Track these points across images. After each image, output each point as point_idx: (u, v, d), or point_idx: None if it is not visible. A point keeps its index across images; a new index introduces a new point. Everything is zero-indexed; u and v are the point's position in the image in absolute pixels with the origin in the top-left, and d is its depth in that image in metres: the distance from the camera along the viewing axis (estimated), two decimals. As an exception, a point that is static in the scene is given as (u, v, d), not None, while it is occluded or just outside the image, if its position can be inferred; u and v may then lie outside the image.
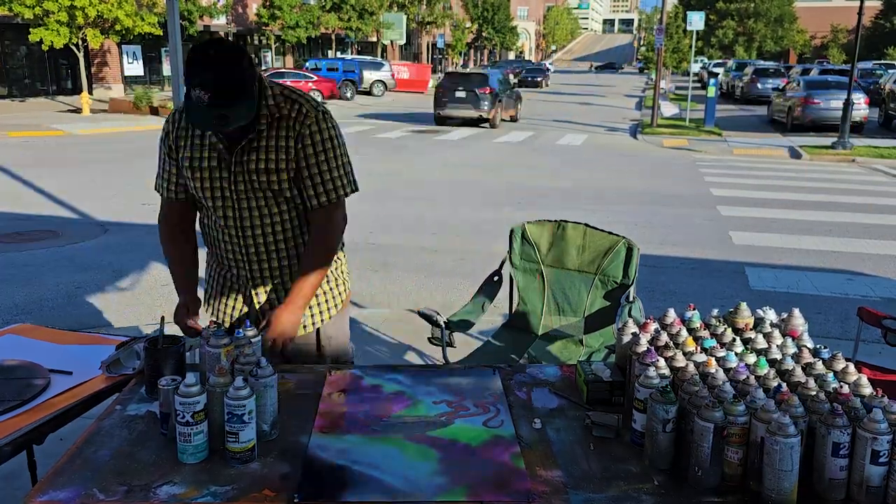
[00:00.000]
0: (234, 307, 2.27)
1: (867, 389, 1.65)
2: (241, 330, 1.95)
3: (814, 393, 1.62)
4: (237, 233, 2.15)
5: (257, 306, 2.22)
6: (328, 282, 2.27)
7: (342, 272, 2.35)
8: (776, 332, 2.01)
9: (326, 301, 2.28)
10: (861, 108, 17.65)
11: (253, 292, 2.21)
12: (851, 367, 1.77)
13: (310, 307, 2.22)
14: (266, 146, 2.05)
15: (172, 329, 2.08)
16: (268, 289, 2.21)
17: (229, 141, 2.06)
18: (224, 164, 2.08)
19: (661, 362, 1.77)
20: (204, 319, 2.25)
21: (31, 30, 20.04)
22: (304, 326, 2.24)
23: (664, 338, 1.97)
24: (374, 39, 42.24)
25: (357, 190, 2.20)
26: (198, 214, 2.28)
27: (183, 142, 2.12)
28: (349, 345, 2.42)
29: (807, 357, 1.86)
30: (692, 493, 1.55)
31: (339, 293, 2.32)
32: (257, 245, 2.15)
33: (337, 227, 2.18)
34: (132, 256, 6.55)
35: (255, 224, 2.12)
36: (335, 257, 2.25)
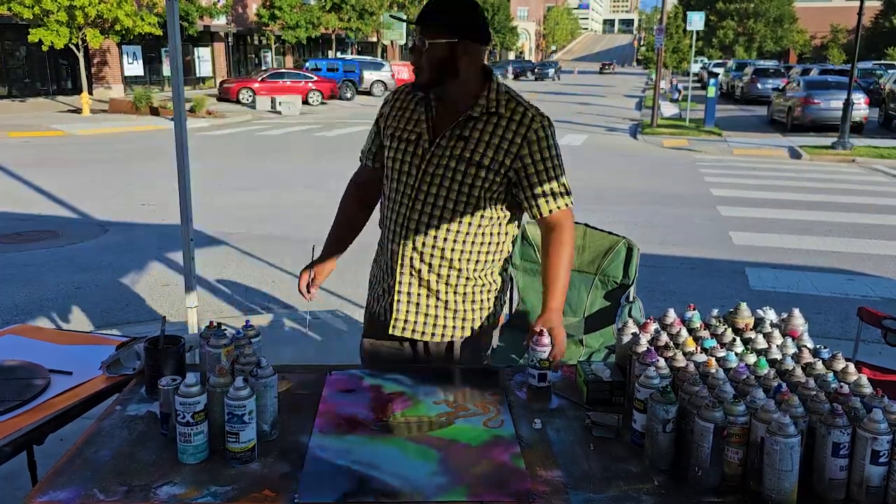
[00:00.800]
0: (379, 297, 2.21)
1: (867, 389, 1.65)
2: (241, 330, 1.95)
3: (814, 393, 1.62)
4: (406, 214, 2.07)
5: (397, 296, 2.13)
6: (465, 299, 2.14)
7: (493, 290, 2.19)
8: (776, 332, 2.01)
9: (465, 318, 2.15)
10: (861, 108, 17.66)
11: (398, 282, 2.12)
12: (851, 367, 1.77)
13: (445, 318, 2.14)
14: (477, 139, 2.01)
15: (173, 329, 2.08)
16: (409, 287, 2.12)
17: (436, 120, 2.05)
18: (423, 141, 2.05)
19: (662, 362, 1.77)
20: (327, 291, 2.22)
21: (30, 30, 20.04)
22: (433, 335, 2.16)
23: (664, 338, 1.97)
24: (374, 39, 42.25)
25: (573, 203, 2.15)
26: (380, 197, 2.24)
27: (396, 110, 2.14)
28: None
29: (807, 357, 1.86)
30: (692, 493, 1.55)
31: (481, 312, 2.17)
32: (418, 232, 2.07)
33: (570, 232, 2.12)
34: (132, 256, 6.55)
35: (426, 211, 2.05)
36: (494, 282, 2.17)
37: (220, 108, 23.02)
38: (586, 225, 3.22)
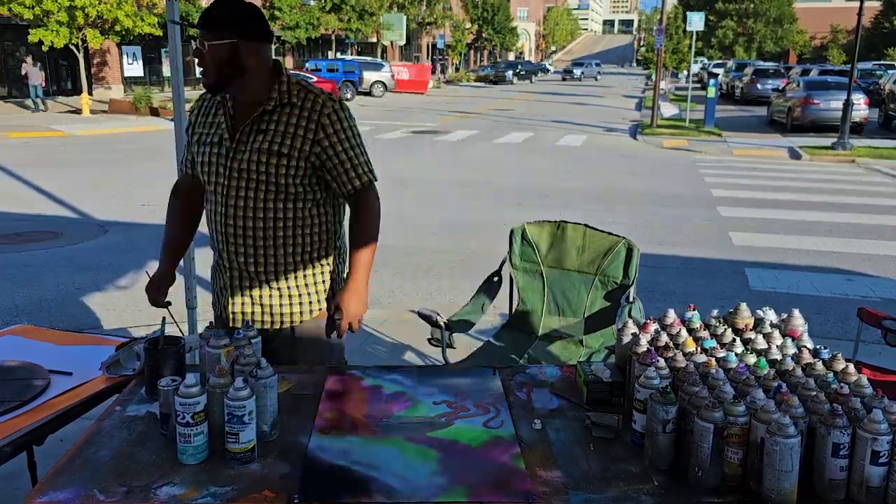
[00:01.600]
0: (218, 295, 2.30)
1: (867, 390, 1.65)
2: (240, 330, 1.95)
3: (814, 393, 1.62)
4: (223, 212, 2.15)
5: (230, 291, 2.22)
6: (307, 284, 2.24)
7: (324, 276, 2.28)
8: (776, 333, 2.01)
9: (301, 302, 2.23)
10: (861, 108, 17.64)
11: (228, 277, 2.22)
12: (851, 368, 1.77)
13: (281, 305, 2.22)
14: (274, 129, 2.08)
15: (173, 330, 2.08)
16: (240, 282, 2.21)
17: (234, 120, 2.12)
18: (225, 142, 2.12)
19: (661, 363, 1.77)
20: (174, 297, 2.27)
21: (30, 30, 20.04)
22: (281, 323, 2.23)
23: (664, 338, 1.97)
24: (374, 40, 42.25)
25: (376, 179, 2.23)
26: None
27: (199, 118, 2.23)
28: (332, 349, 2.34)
29: (807, 357, 1.86)
30: (692, 493, 1.55)
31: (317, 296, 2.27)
32: (236, 227, 2.14)
33: (374, 208, 2.20)
34: (132, 257, 6.55)
35: (239, 206, 2.12)
36: (325, 262, 2.25)
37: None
38: (586, 225, 3.22)
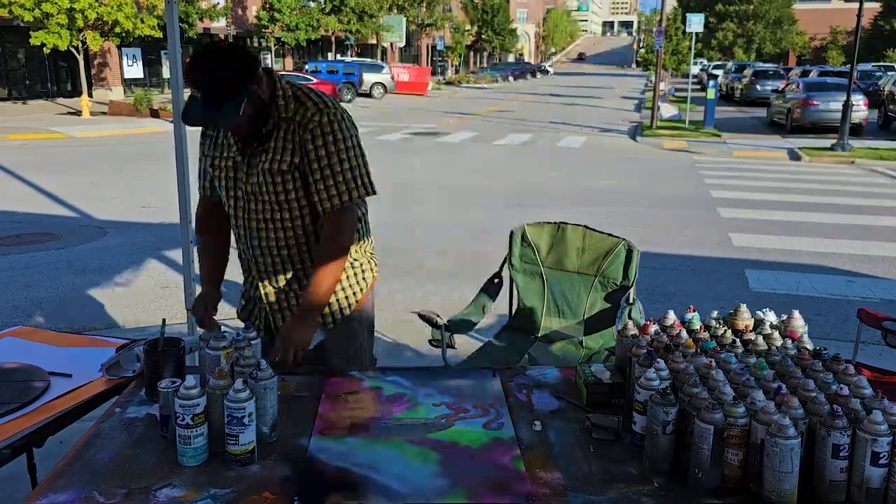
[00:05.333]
0: (251, 310, 2.35)
1: (867, 391, 1.65)
2: (240, 332, 1.95)
3: (814, 395, 1.62)
4: (246, 234, 2.19)
5: (266, 300, 2.26)
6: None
7: (358, 278, 2.30)
8: (776, 334, 2.01)
9: (330, 310, 2.25)
10: (860, 109, 17.65)
11: (263, 293, 2.26)
12: (851, 369, 1.77)
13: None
14: (273, 147, 2.07)
15: (172, 331, 2.08)
16: (277, 295, 2.25)
17: (243, 143, 2.11)
18: (238, 165, 2.13)
19: (661, 364, 1.77)
20: (223, 314, 2.28)
21: (31, 33, 20.05)
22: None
23: (664, 339, 1.97)
24: (374, 42, 42.26)
25: (372, 193, 2.15)
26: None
27: (211, 140, 2.21)
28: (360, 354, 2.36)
29: (807, 359, 1.86)
30: (692, 494, 1.55)
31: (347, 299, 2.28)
32: (262, 250, 2.19)
33: (343, 234, 2.12)
34: (132, 258, 6.54)
35: (260, 227, 2.15)
36: (352, 261, 2.26)
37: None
38: (586, 227, 3.22)
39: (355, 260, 2.28)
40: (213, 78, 1.91)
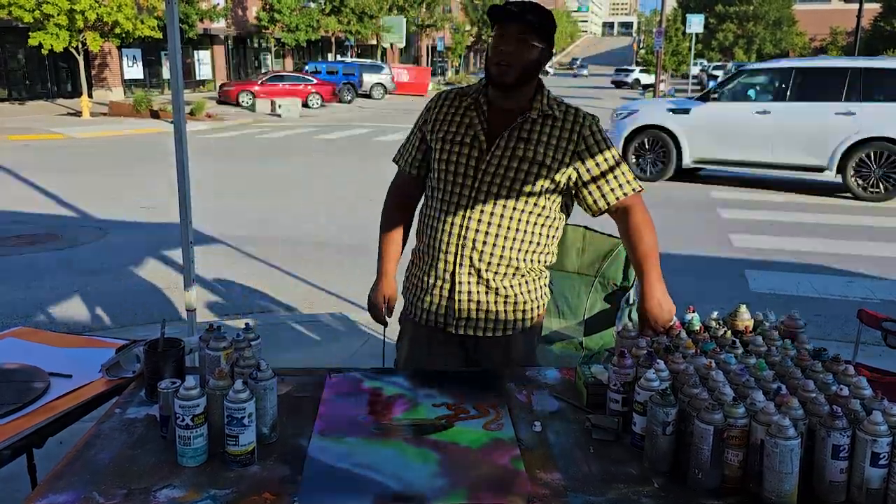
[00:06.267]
0: (430, 303, 2.21)
1: (867, 391, 1.65)
2: (240, 332, 1.95)
3: (814, 395, 1.62)
4: (463, 214, 2.11)
5: (457, 296, 2.16)
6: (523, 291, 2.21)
7: (542, 285, 2.27)
8: (776, 335, 2.01)
9: (524, 310, 2.21)
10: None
11: (457, 282, 2.15)
12: (851, 370, 1.77)
13: (506, 313, 2.20)
14: (536, 140, 2.08)
15: (172, 332, 2.08)
16: (469, 287, 2.15)
17: (490, 123, 2.11)
18: (477, 144, 2.10)
19: (661, 365, 1.77)
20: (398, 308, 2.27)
21: (30, 34, 20.06)
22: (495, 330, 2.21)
23: (664, 340, 1.97)
24: (374, 43, 42.29)
25: (643, 190, 2.23)
26: (420, 201, 2.29)
27: (443, 117, 2.18)
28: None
29: (806, 359, 1.86)
30: (692, 495, 1.55)
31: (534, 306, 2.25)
32: (477, 233, 2.10)
33: (648, 214, 2.21)
34: (132, 259, 6.54)
35: (485, 211, 2.09)
36: (545, 274, 2.26)
37: (220, 111, 23.04)
38: (586, 228, 3.22)
39: (543, 270, 2.26)
40: (546, 12, 2.05)
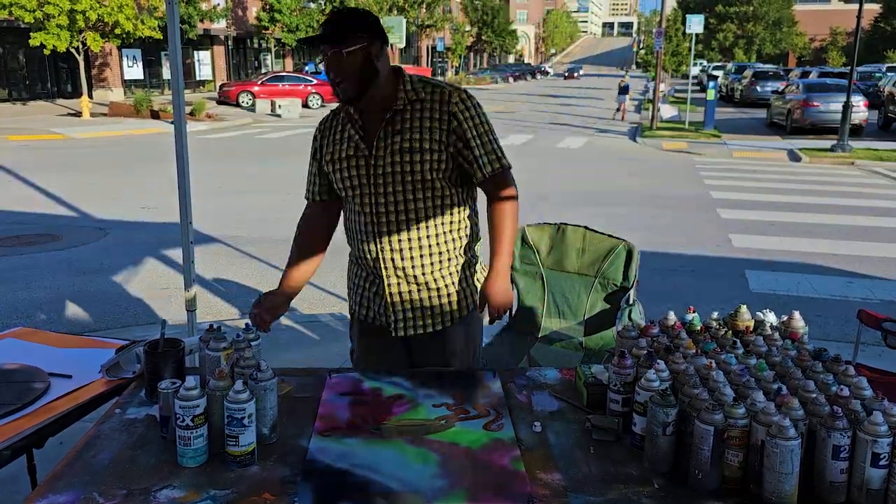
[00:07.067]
0: (371, 301, 2.26)
1: (867, 392, 1.65)
2: (240, 332, 1.95)
3: (814, 396, 1.62)
4: (373, 221, 2.14)
5: (390, 299, 2.20)
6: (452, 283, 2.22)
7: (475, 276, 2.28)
8: (776, 335, 2.01)
9: (453, 301, 2.23)
10: (860, 110, 17.66)
11: (387, 285, 2.19)
12: (851, 370, 1.77)
13: (441, 306, 2.21)
14: (410, 127, 2.09)
15: (172, 332, 2.08)
16: (399, 287, 2.19)
17: (365, 130, 2.12)
18: (361, 152, 2.13)
19: (662, 365, 1.77)
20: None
21: (31, 34, 20.06)
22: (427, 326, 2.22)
23: (664, 340, 1.97)
24: (374, 43, 42.20)
25: (510, 167, 2.22)
26: (340, 217, 2.32)
27: (326, 140, 2.22)
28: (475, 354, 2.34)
29: (807, 360, 1.86)
30: (692, 495, 1.55)
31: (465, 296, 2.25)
32: (391, 234, 2.14)
33: (514, 192, 2.19)
34: (132, 259, 6.54)
35: (390, 210, 2.12)
36: (472, 262, 2.25)
37: (220, 112, 23.05)
38: (586, 228, 3.22)
39: (473, 257, 2.27)
40: (341, 16, 2.07)
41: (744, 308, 2.16)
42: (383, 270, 2.18)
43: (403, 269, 2.17)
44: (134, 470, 1.61)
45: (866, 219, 8.81)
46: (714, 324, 2.10)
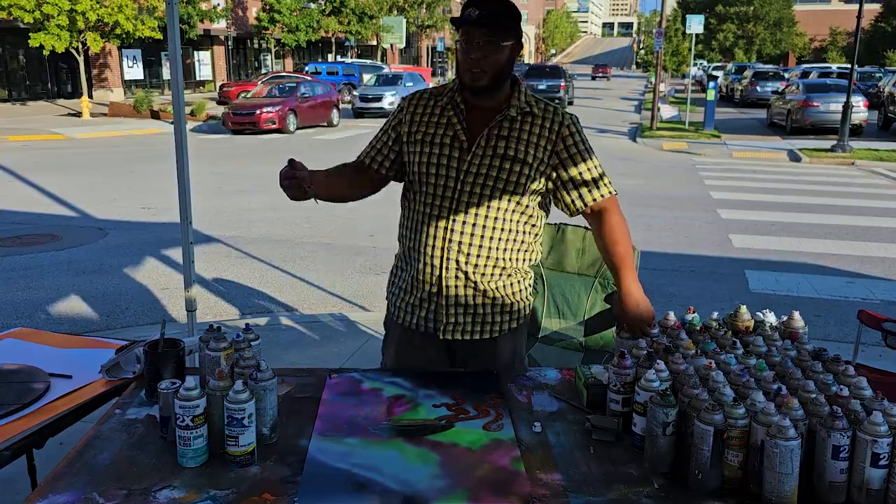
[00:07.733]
0: (417, 307, 2.18)
1: (867, 392, 1.65)
2: (240, 333, 1.95)
3: (814, 396, 1.62)
4: (448, 217, 2.08)
5: (445, 302, 2.13)
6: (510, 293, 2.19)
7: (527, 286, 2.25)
8: (776, 335, 2.01)
9: (510, 311, 2.19)
10: (860, 111, 17.67)
11: (444, 287, 2.12)
12: (851, 370, 1.77)
13: (493, 314, 2.17)
14: (517, 137, 2.06)
15: (172, 333, 2.08)
16: (457, 290, 2.12)
17: (469, 124, 2.09)
18: (458, 144, 2.08)
19: (661, 365, 1.77)
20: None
21: (31, 34, 20.07)
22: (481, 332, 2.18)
23: (664, 341, 1.97)
24: (374, 43, 42.30)
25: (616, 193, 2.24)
26: (371, 191, 2.27)
27: (419, 118, 2.14)
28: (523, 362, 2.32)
29: (807, 360, 1.86)
30: (692, 496, 1.55)
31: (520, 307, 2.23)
32: (462, 234, 2.08)
33: (622, 216, 2.21)
34: (132, 259, 6.55)
35: (470, 212, 2.07)
36: (530, 276, 2.24)
37: (220, 112, 23.03)
38: (586, 228, 3.22)
39: (529, 273, 2.25)
40: (504, 6, 2.00)
41: (743, 308, 2.15)
42: (444, 271, 2.11)
43: (466, 273, 2.11)
44: (134, 470, 1.61)
45: (866, 219, 8.81)
46: (714, 324, 2.10)
